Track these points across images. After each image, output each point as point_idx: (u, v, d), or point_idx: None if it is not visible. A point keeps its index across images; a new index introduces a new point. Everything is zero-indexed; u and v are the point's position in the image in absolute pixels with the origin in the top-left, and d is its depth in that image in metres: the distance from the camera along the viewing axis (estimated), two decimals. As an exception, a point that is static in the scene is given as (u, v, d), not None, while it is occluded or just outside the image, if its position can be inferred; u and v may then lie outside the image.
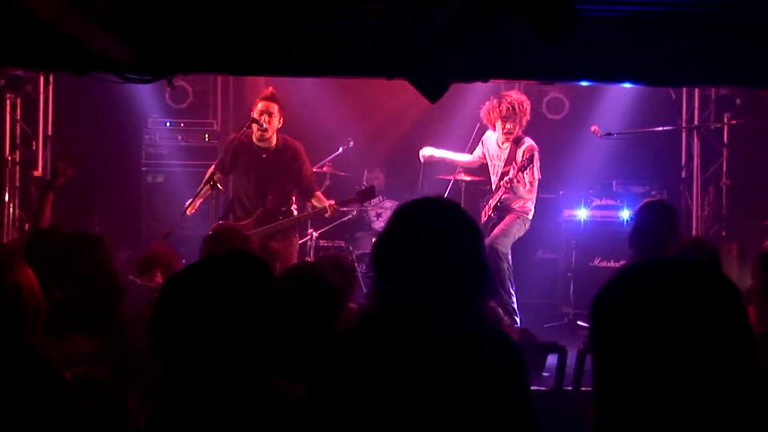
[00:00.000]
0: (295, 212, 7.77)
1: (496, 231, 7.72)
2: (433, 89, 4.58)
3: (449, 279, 2.20)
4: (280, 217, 7.46)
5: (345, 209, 8.40)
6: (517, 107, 7.59)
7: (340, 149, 8.37)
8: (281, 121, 7.44)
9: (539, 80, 6.81)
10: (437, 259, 2.20)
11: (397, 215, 2.35)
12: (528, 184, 7.65)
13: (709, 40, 5.07)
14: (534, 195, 7.80)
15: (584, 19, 4.48)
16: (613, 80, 6.37)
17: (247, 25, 5.33)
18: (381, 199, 9.89)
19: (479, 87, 8.62)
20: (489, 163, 8.05)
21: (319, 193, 7.54)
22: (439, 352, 2.16)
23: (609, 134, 8.39)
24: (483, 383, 2.16)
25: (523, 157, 7.58)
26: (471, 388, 2.14)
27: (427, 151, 8.14)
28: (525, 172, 7.56)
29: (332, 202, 7.36)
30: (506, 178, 7.62)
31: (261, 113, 7.37)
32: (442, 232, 2.25)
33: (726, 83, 7.52)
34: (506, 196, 7.75)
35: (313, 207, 7.51)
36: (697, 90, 9.37)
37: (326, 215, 7.50)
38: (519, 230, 7.79)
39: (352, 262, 5.23)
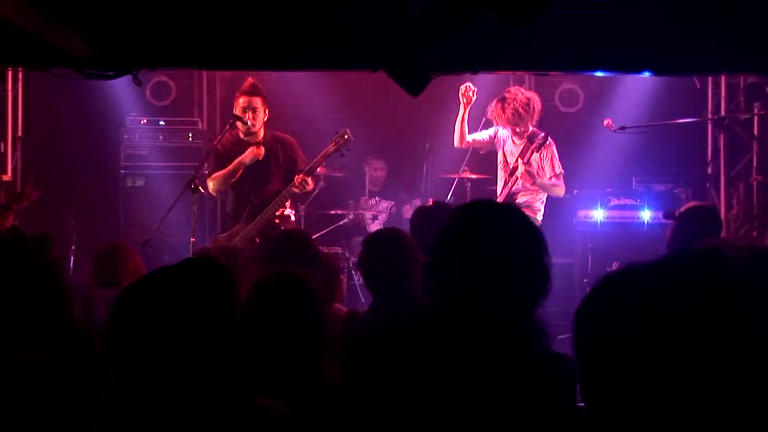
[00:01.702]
0: (293, 217, 7.76)
1: None
2: (414, 82, 4.55)
3: (505, 282, 2.34)
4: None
5: (321, 172, 8.40)
6: (521, 111, 7.59)
7: (335, 147, 8.33)
8: (267, 113, 7.43)
9: (533, 71, 6.77)
10: (493, 260, 2.35)
11: (456, 215, 2.51)
12: (553, 177, 7.71)
13: (718, 23, 5.02)
14: (561, 190, 7.83)
15: (580, 5, 4.45)
16: (618, 70, 6.32)
17: (218, 17, 5.31)
18: (377, 200, 9.86)
19: (485, 78, 8.60)
20: (500, 157, 8.01)
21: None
22: (488, 354, 2.29)
23: (623, 128, 8.32)
24: (530, 390, 2.30)
25: (535, 143, 7.60)
26: (517, 393, 2.27)
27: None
28: (543, 159, 7.63)
29: (299, 177, 7.24)
30: (522, 160, 7.60)
31: (244, 110, 7.36)
32: (501, 233, 2.39)
33: (743, 71, 7.46)
34: (514, 189, 7.74)
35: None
36: (723, 78, 9.29)
37: (297, 190, 7.34)
38: None
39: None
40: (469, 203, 2.54)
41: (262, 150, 7.33)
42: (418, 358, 2.33)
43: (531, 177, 7.62)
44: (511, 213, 2.49)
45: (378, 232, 5.08)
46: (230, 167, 7.41)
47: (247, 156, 7.34)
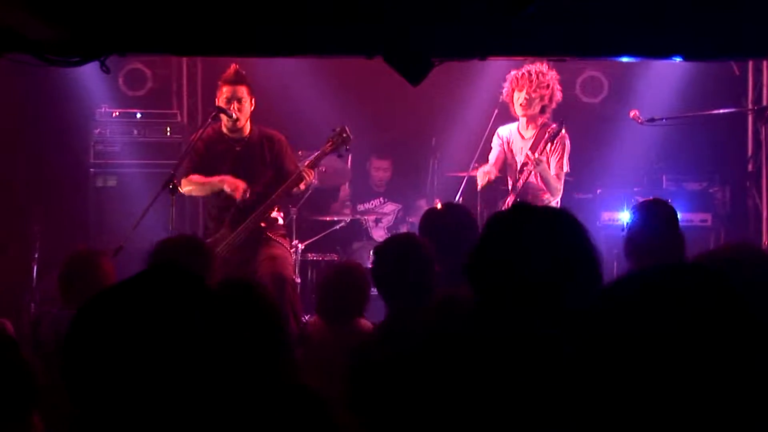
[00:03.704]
0: (281, 220, 7.72)
1: None
2: (414, 70, 4.53)
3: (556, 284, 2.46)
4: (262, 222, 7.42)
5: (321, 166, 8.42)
6: (534, 74, 7.57)
7: (331, 145, 8.35)
8: (253, 102, 7.41)
9: (549, 57, 6.73)
10: (552, 273, 2.46)
11: (494, 225, 2.66)
12: (554, 176, 7.65)
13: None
14: (559, 192, 7.75)
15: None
16: (645, 55, 6.28)
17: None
18: (382, 201, 9.84)
19: (498, 66, 8.57)
20: (510, 161, 8.00)
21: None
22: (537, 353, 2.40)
23: (652, 120, 8.29)
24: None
25: (548, 134, 7.58)
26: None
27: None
28: (552, 151, 7.63)
29: (303, 167, 7.25)
30: (533, 156, 7.56)
31: (228, 100, 7.33)
32: (555, 245, 2.51)
33: None
34: (528, 183, 7.71)
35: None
36: (765, 63, 9.26)
37: (302, 185, 7.35)
38: None
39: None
40: (506, 212, 2.67)
41: (247, 194, 7.31)
42: (464, 361, 2.45)
43: (543, 174, 7.58)
44: (560, 219, 2.62)
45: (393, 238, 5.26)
46: (212, 181, 7.43)
47: (229, 186, 7.32)
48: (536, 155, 7.51)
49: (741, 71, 9.50)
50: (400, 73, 4.63)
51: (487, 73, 9.10)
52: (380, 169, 9.92)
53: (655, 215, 5.57)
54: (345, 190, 9.85)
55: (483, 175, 7.80)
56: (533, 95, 7.66)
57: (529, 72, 7.59)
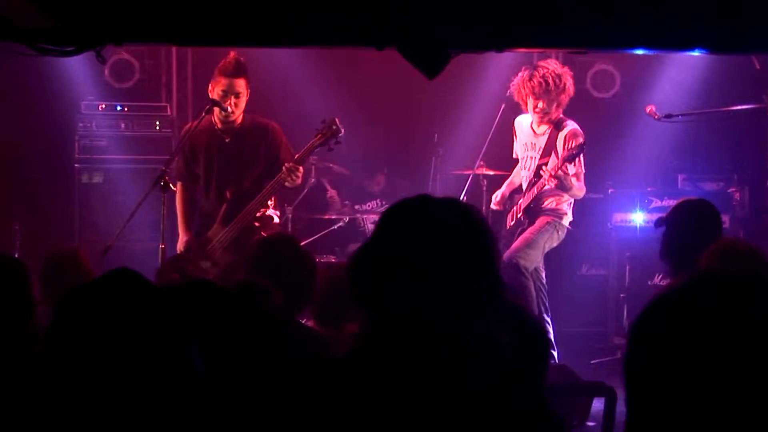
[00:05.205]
0: (277, 219, 7.73)
1: (518, 241, 7.74)
2: (431, 62, 4.55)
3: (452, 294, 2.29)
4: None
5: (309, 161, 8.43)
6: (551, 82, 7.59)
7: (326, 141, 8.40)
8: (248, 94, 7.42)
9: (567, 49, 6.75)
10: (436, 270, 2.29)
11: (386, 217, 2.43)
12: (573, 177, 7.68)
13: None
14: (581, 192, 7.84)
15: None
16: (663, 47, 6.31)
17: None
18: (379, 203, 9.87)
19: (505, 56, 8.58)
20: (520, 155, 8.05)
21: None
22: (440, 382, 2.24)
23: (669, 116, 8.34)
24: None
25: (566, 143, 7.60)
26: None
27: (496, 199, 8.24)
28: (570, 164, 7.64)
29: (288, 164, 7.23)
30: (546, 170, 7.60)
31: (224, 93, 7.32)
32: (440, 236, 2.33)
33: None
34: (541, 192, 7.77)
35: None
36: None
37: (287, 183, 7.32)
38: (550, 239, 7.80)
39: None
40: (401, 202, 2.46)
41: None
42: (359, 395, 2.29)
43: (560, 183, 7.62)
44: (451, 209, 2.42)
45: None
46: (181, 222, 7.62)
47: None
48: (554, 172, 7.55)
49: (762, 65, 9.50)
50: (416, 65, 4.64)
51: (493, 64, 9.11)
52: (373, 184, 10.03)
53: (698, 218, 5.54)
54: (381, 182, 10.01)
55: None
56: (552, 104, 7.70)
57: (546, 80, 7.59)
